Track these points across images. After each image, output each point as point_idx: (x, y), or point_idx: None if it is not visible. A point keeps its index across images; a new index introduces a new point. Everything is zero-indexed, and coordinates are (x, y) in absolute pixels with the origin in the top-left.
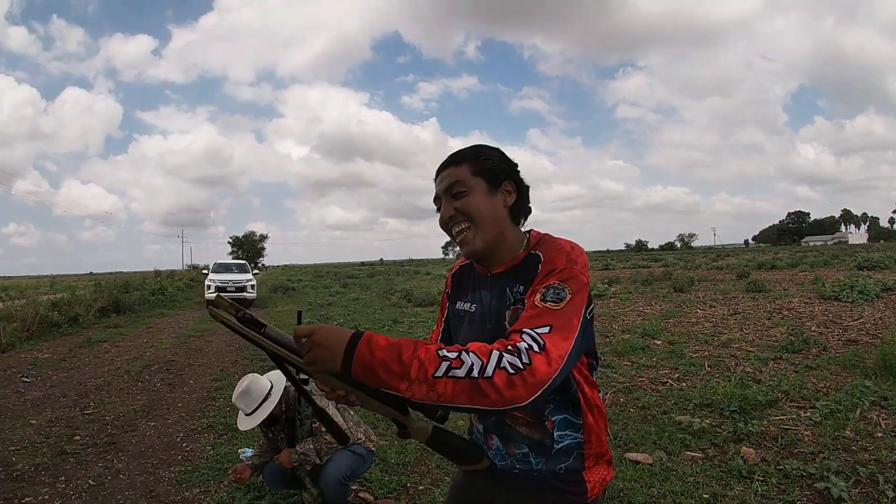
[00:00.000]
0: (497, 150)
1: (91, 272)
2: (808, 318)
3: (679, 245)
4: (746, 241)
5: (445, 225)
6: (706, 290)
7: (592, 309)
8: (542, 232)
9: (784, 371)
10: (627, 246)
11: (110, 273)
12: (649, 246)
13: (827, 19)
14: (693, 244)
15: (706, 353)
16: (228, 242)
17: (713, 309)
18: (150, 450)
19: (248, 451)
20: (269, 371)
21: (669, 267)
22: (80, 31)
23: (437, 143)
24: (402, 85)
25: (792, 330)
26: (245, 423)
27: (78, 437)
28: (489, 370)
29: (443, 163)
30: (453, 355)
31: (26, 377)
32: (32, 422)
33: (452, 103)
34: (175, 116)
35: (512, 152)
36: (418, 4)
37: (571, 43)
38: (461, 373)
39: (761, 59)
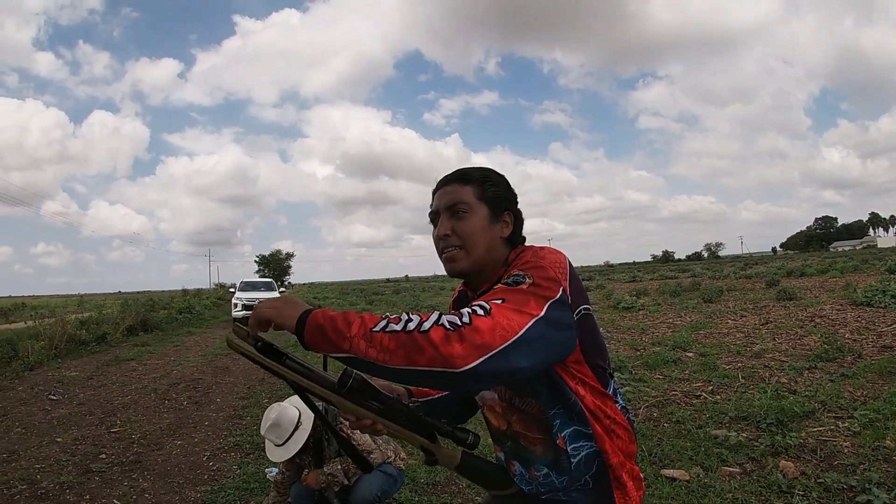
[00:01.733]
0: (503, 177)
1: (119, 291)
2: (840, 325)
3: (706, 255)
4: (774, 249)
5: (439, 241)
6: (736, 299)
7: (582, 311)
8: (521, 247)
9: (819, 380)
10: (654, 257)
11: (138, 292)
12: (676, 256)
13: (844, 20)
14: (720, 253)
15: (739, 364)
16: (255, 261)
17: (744, 319)
18: (177, 469)
19: (275, 471)
20: (292, 395)
21: (697, 277)
22: (106, 55)
23: (460, 158)
24: (424, 102)
25: (825, 338)
26: (277, 455)
27: (104, 456)
28: (426, 325)
29: (447, 177)
30: (394, 315)
31: (53, 395)
32: (58, 439)
33: (474, 119)
34: (201, 138)
35: (534, 166)
36: (438, 23)
37: (591, 56)
38: (398, 327)
39: (781, 64)
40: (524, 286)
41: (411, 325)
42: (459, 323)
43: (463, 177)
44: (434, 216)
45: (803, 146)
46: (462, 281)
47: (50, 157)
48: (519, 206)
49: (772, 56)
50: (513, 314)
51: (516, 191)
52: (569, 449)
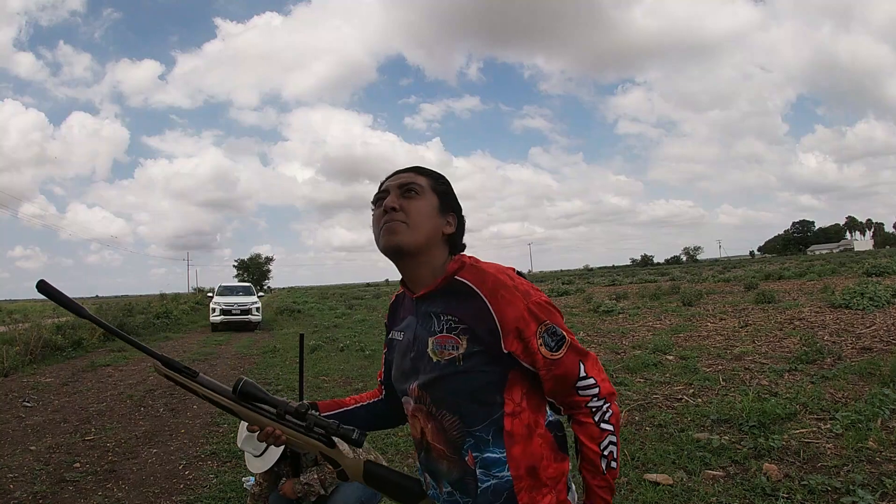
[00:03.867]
0: (451, 185)
1: (97, 295)
2: (820, 328)
3: (685, 258)
4: (752, 253)
5: (383, 213)
6: (715, 302)
7: None
8: (468, 256)
9: (800, 382)
10: (633, 261)
11: (116, 296)
12: (655, 260)
13: (822, 28)
14: (699, 257)
15: (720, 366)
16: (234, 265)
17: (723, 322)
18: (152, 478)
19: (252, 480)
20: None
21: (676, 281)
22: (87, 56)
23: (441, 162)
24: (406, 106)
25: (805, 340)
26: (256, 466)
27: (78, 465)
28: (614, 463)
29: (404, 168)
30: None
31: (28, 402)
32: (32, 448)
33: (455, 123)
34: (181, 140)
35: (515, 171)
36: (421, 28)
37: (571, 61)
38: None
39: (759, 71)
40: (566, 335)
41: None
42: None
43: (418, 169)
44: (382, 194)
45: (780, 151)
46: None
47: (28, 159)
48: (464, 215)
49: (750, 62)
50: (595, 366)
51: (495, 195)
52: (477, 472)
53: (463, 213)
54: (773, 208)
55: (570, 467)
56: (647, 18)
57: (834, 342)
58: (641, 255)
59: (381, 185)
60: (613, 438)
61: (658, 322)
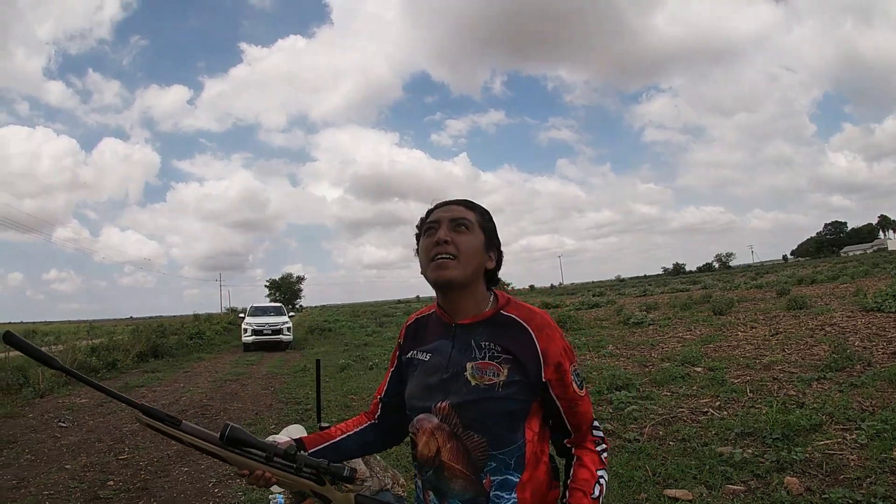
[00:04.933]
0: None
1: (131, 316)
2: (851, 333)
3: (717, 265)
4: (785, 257)
5: (435, 245)
6: (746, 310)
7: None
8: (505, 293)
9: (828, 391)
10: (665, 270)
11: (150, 317)
12: (687, 268)
13: (844, 24)
14: (731, 263)
15: (748, 377)
16: (265, 285)
17: (754, 330)
18: (182, 496)
19: (280, 498)
20: (292, 425)
21: (708, 289)
22: (116, 83)
23: (468, 177)
24: (431, 123)
25: (835, 347)
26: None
27: (111, 483)
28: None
29: (454, 200)
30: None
31: (63, 422)
32: (67, 466)
33: (481, 138)
34: (211, 164)
35: (542, 183)
36: (445, 44)
37: (595, 71)
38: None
39: (783, 71)
40: (584, 383)
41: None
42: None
43: (468, 203)
44: (433, 225)
45: (809, 152)
46: (435, 303)
47: (61, 184)
48: (503, 251)
49: (774, 63)
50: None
51: (523, 208)
52: (491, 494)
53: (502, 249)
54: (805, 210)
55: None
56: (669, 25)
57: (864, 347)
58: (673, 264)
59: (430, 213)
60: (606, 476)
61: (688, 333)
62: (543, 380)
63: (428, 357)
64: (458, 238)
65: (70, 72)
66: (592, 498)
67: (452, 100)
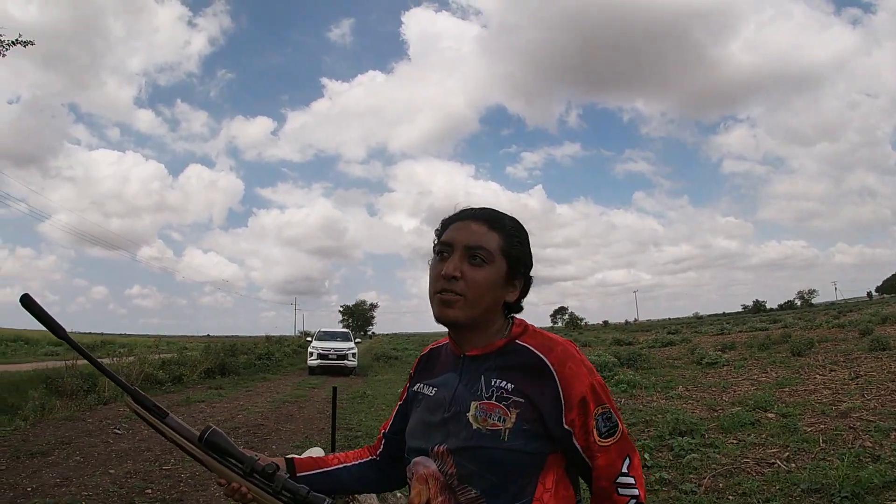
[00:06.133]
0: (528, 238)
1: (209, 334)
2: None
3: (799, 303)
4: (870, 293)
5: (441, 278)
6: (826, 351)
7: None
8: (524, 321)
9: None
10: (745, 307)
11: (226, 336)
12: (767, 306)
13: None
14: (814, 301)
15: (822, 425)
16: (339, 311)
17: (833, 373)
18: None
19: None
20: (314, 447)
21: (788, 328)
22: (203, 113)
23: (544, 210)
24: (507, 156)
25: None
26: None
27: (149, 491)
28: None
29: (477, 211)
30: None
31: (118, 429)
32: (111, 471)
33: (557, 170)
34: (292, 192)
35: (619, 216)
36: (521, 78)
37: (671, 102)
38: None
39: (864, 97)
40: (620, 423)
41: None
42: None
43: (494, 221)
44: (445, 248)
45: (894, 182)
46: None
47: (148, 206)
48: (531, 276)
49: (854, 90)
50: (639, 464)
51: (599, 242)
52: None
53: (531, 273)
54: (891, 244)
55: None
56: (744, 53)
57: None
58: (753, 301)
59: (445, 225)
60: None
61: (763, 375)
62: (565, 426)
63: (433, 392)
64: (470, 273)
65: (159, 101)
66: None
67: (528, 132)
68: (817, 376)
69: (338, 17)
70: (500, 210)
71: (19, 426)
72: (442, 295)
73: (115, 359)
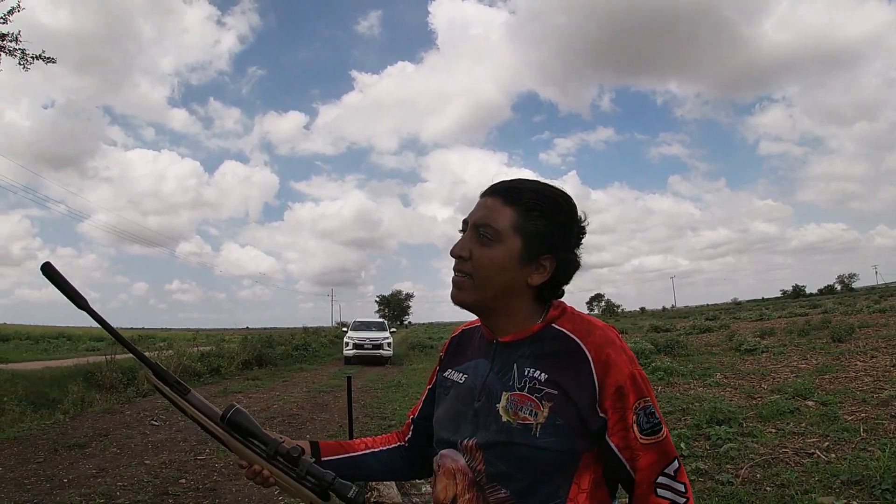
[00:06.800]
0: (565, 209)
1: (248, 327)
2: None
3: (839, 287)
4: None
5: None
6: (867, 337)
7: None
8: (563, 303)
9: None
10: (784, 292)
11: (265, 328)
12: (807, 291)
13: None
14: (854, 285)
15: (863, 414)
16: (375, 301)
17: (874, 360)
18: (247, 499)
19: None
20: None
21: (829, 313)
22: (236, 110)
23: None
24: (540, 142)
25: None
26: None
27: (184, 481)
28: None
29: (498, 185)
30: None
31: (155, 420)
32: (147, 461)
33: (590, 156)
34: (326, 185)
35: (654, 200)
36: (552, 63)
37: (705, 84)
38: None
39: None
40: (662, 422)
41: None
42: None
43: (511, 193)
44: (463, 226)
45: None
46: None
47: (185, 203)
48: (579, 250)
49: (892, 67)
50: (683, 468)
51: (635, 227)
52: None
53: (571, 252)
54: None
55: None
56: (778, 32)
57: None
58: (793, 286)
59: (469, 214)
60: None
61: (803, 362)
62: (600, 414)
63: (463, 379)
64: (478, 252)
65: (192, 100)
66: None
67: (560, 118)
68: (858, 363)
69: (365, 9)
70: (538, 180)
71: (59, 420)
72: (453, 277)
73: (154, 353)
